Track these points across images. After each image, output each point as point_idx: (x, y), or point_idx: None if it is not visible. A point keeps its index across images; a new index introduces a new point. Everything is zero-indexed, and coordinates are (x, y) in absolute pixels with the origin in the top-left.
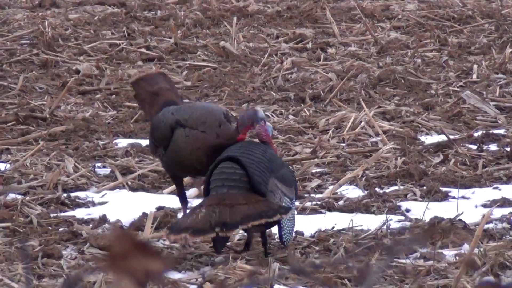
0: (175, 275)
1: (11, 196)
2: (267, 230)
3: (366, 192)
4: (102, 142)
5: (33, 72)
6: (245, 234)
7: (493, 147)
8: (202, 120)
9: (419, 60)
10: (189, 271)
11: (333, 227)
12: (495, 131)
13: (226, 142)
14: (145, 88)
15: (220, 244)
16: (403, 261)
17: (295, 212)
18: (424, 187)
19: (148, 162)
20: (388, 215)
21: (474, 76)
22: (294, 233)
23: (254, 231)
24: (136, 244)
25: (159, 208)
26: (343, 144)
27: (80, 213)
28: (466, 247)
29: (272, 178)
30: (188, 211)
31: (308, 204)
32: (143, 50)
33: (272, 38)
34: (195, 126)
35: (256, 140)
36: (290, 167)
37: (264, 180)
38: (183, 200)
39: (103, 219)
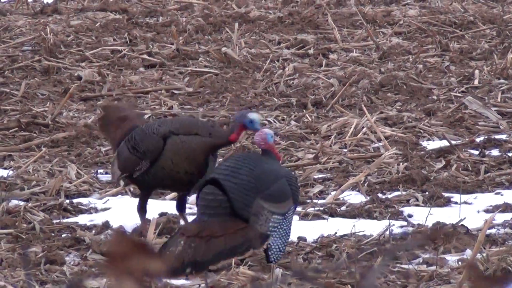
0: (178, 281)
1: (14, 202)
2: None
3: (368, 197)
4: (104, 149)
5: (35, 78)
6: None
7: (495, 152)
8: (193, 124)
9: (421, 66)
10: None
11: (335, 233)
12: (497, 137)
13: (219, 142)
14: (114, 113)
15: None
16: (406, 266)
17: (290, 224)
18: (426, 193)
19: None
20: (390, 221)
21: (476, 82)
22: (285, 247)
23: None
24: (137, 247)
25: (162, 214)
26: (345, 150)
27: (82, 219)
28: (468, 252)
29: (257, 200)
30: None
31: (311, 209)
32: (145, 56)
33: (274, 44)
34: (188, 132)
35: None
36: (292, 174)
37: (246, 204)
38: (144, 211)
39: (106, 225)
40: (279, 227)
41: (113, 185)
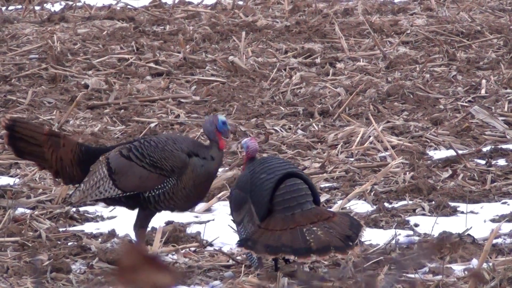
0: None
1: (20, 210)
2: None
3: (374, 206)
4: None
5: (42, 86)
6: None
7: (501, 162)
8: (197, 146)
9: (428, 75)
10: (198, 285)
11: None
12: (504, 146)
13: (220, 160)
14: (31, 130)
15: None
16: (412, 275)
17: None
18: (433, 202)
19: None
20: (396, 230)
21: (483, 91)
22: None
23: None
24: (145, 258)
25: (168, 223)
26: (352, 159)
27: (89, 227)
28: (474, 262)
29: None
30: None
31: None
32: (152, 64)
33: (281, 53)
34: (197, 154)
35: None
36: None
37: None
38: (145, 230)
39: (112, 234)
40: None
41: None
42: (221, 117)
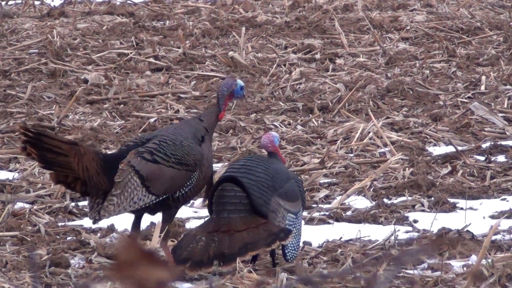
0: (183, 285)
1: (19, 205)
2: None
3: (374, 202)
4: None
5: (42, 81)
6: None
7: (501, 158)
8: (191, 127)
9: (428, 71)
10: (197, 280)
11: (340, 238)
12: (503, 143)
13: (214, 127)
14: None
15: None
16: (411, 272)
17: (301, 224)
18: (432, 198)
19: None
20: (396, 226)
21: (483, 88)
22: (299, 247)
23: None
24: (143, 253)
25: None
26: (351, 155)
27: (88, 222)
28: (473, 258)
29: (274, 197)
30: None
31: (316, 214)
32: (151, 59)
33: (281, 48)
34: (194, 137)
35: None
36: (298, 178)
37: (265, 201)
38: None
39: (111, 229)
40: (293, 225)
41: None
42: (240, 82)
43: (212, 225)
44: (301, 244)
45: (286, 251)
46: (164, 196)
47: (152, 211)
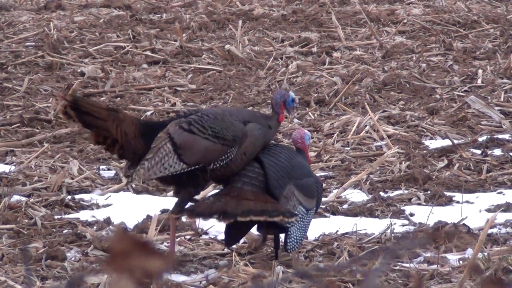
0: (179, 278)
1: (16, 198)
2: (280, 235)
3: (370, 196)
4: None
5: (38, 74)
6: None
7: (497, 152)
8: (252, 115)
9: (424, 65)
10: (193, 273)
11: (337, 231)
12: (500, 136)
13: (277, 126)
14: (93, 105)
15: (231, 238)
16: (407, 265)
17: (309, 222)
18: (428, 192)
19: None
20: (392, 219)
21: (479, 81)
22: (302, 242)
23: (264, 233)
24: (138, 245)
25: (163, 211)
26: (348, 148)
27: (84, 215)
28: (470, 251)
29: (290, 185)
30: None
31: None
32: (148, 53)
33: (277, 41)
34: (254, 121)
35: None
36: (319, 180)
37: (280, 184)
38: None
39: (107, 222)
40: (301, 219)
41: (114, 181)
42: (293, 94)
43: (224, 191)
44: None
45: (288, 240)
46: (196, 166)
47: (181, 183)
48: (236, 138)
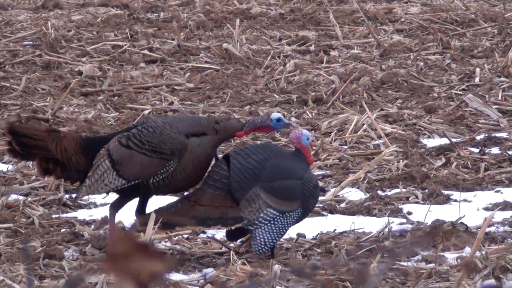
0: (176, 277)
1: (13, 197)
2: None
3: (368, 194)
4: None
5: (36, 73)
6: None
7: (495, 150)
8: (198, 124)
9: (422, 63)
10: (191, 272)
11: (334, 230)
12: (497, 135)
13: (226, 138)
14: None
15: (232, 233)
16: (405, 263)
17: (286, 224)
18: (426, 190)
19: None
20: (390, 218)
21: (477, 80)
22: (271, 244)
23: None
24: (137, 246)
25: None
26: (345, 147)
27: (82, 214)
28: (467, 250)
29: (256, 187)
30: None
31: None
32: (146, 51)
33: (275, 40)
34: (196, 133)
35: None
36: (311, 181)
37: (242, 187)
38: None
39: (105, 221)
40: (272, 221)
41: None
42: (275, 115)
43: (190, 193)
44: (295, 236)
45: (252, 242)
46: (136, 182)
47: (127, 196)
48: (175, 150)
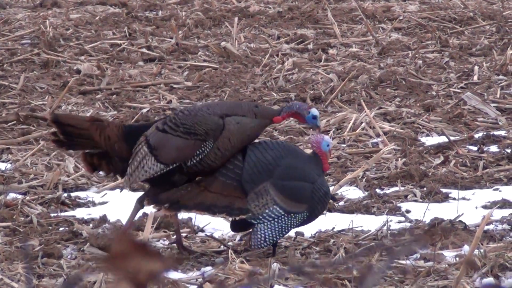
0: (175, 275)
1: (12, 195)
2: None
3: (366, 193)
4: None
5: (34, 72)
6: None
7: (493, 148)
8: (238, 107)
9: (420, 61)
10: (189, 271)
11: (333, 228)
12: (496, 133)
13: (266, 123)
14: (76, 120)
15: (237, 225)
16: (403, 262)
17: (289, 224)
18: (425, 188)
19: None
20: (388, 216)
21: (475, 78)
22: (271, 241)
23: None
24: (136, 245)
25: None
26: (344, 145)
27: (80, 213)
28: (466, 248)
29: (267, 182)
30: None
31: None
32: (144, 50)
33: (273, 38)
34: (236, 114)
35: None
36: (323, 188)
37: (253, 179)
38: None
39: (103, 219)
40: (276, 219)
41: (110, 179)
42: (314, 111)
43: (201, 179)
44: (293, 235)
45: (252, 236)
46: (175, 165)
47: (162, 183)
48: (209, 131)
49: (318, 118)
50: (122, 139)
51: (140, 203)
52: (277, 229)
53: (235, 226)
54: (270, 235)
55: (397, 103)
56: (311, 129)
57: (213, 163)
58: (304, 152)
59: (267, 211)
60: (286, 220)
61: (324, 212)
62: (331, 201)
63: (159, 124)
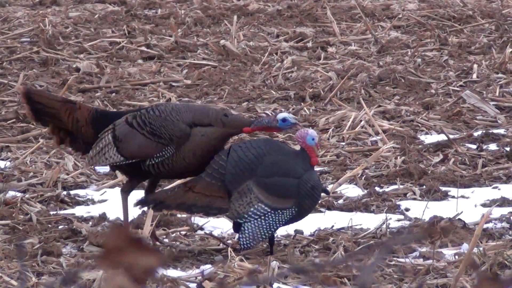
0: (174, 273)
1: (11, 193)
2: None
3: (365, 191)
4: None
5: (33, 70)
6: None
7: (492, 146)
8: (205, 114)
9: (419, 60)
10: (189, 269)
11: (332, 226)
12: (495, 131)
13: (233, 132)
14: (47, 98)
15: (239, 226)
16: (402, 260)
17: (278, 221)
18: (424, 186)
19: None
20: (387, 214)
21: (474, 76)
22: (260, 240)
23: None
24: (132, 241)
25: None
26: (343, 143)
27: (79, 211)
28: (465, 246)
29: (250, 181)
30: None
31: None
32: (143, 48)
33: (273, 37)
34: (202, 123)
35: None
36: (310, 182)
37: (235, 179)
38: (128, 194)
39: (103, 217)
40: (262, 216)
41: (110, 177)
42: (281, 115)
43: (189, 180)
44: (292, 233)
45: (240, 236)
46: (133, 161)
47: (132, 176)
48: (174, 137)
49: (289, 117)
50: (90, 123)
51: (125, 192)
52: (264, 226)
53: (237, 227)
54: (258, 233)
55: (396, 101)
56: (294, 131)
57: (179, 169)
58: (290, 148)
59: (252, 209)
60: (274, 217)
61: (323, 209)
62: (324, 194)
63: (129, 117)
